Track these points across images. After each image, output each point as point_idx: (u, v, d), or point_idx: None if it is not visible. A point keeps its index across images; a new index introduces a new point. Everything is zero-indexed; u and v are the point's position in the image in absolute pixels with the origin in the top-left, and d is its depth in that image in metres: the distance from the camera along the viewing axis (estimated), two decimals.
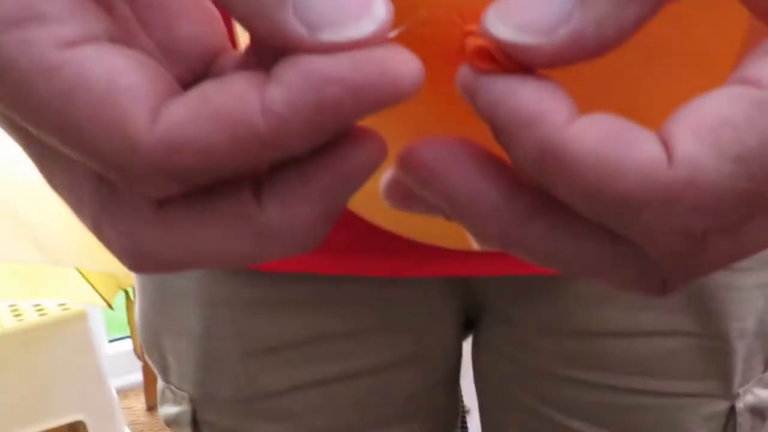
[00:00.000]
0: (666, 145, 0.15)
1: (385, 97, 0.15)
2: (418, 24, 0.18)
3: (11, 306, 1.59)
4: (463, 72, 0.17)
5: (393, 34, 0.16)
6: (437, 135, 0.18)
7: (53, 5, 0.16)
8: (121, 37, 0.17)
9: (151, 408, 1.93)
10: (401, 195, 0.20)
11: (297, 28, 0.16)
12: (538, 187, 0.17)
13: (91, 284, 1.58)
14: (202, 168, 0.16)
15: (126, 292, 1.71)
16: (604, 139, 0.15)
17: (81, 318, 1.57)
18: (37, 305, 1.58)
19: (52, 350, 1.53)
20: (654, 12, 0.16)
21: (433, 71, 0.17)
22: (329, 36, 0.16)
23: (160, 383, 0.53)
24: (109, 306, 1.61)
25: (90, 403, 1.55)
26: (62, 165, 0.18)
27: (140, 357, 1.87)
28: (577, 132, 0.16)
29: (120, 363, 1.98)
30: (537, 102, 0.16)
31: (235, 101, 0.15)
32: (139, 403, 1.97)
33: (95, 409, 1.55)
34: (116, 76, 0.16)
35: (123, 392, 1.95)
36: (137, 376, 1.98)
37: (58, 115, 0.16)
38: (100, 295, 1.60)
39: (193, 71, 0.20)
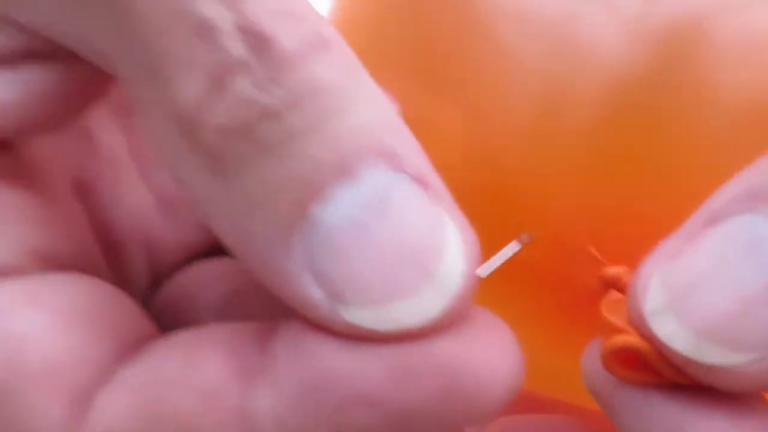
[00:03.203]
0: None
1: (450, 425, 0.09)
2: (529, 248, 0.11)
3: None
4: (593, 368, 0.10)
5: (485, 272, 0.10)
6: (534, 423, 0.12)
7: None
8: (61, 245, 0.12)
9: None
10: None
11: (308, 289, 0.09)
12: None
13: None
14: None
15: None
16: None
17: None
18: None
19: None
20: None
21: (539, 316, 0.12)
22: (359, 317, 0.09)
23: None
24: None
25: None
26: None
27: None
28: None
29: None
30: None
31: (201, 405, 0.10)
32: None
33: None
34: (25, 346, 0.10)
35: None
36: None
37: None
38: None
39: (203, 232, 0.15)
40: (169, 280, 0.14)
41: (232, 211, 0.09)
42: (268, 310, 0.12)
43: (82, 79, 0.11)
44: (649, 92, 0.12)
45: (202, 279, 0.14)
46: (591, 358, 0.10)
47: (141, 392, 0.10)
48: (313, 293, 0.09)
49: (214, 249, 0.15)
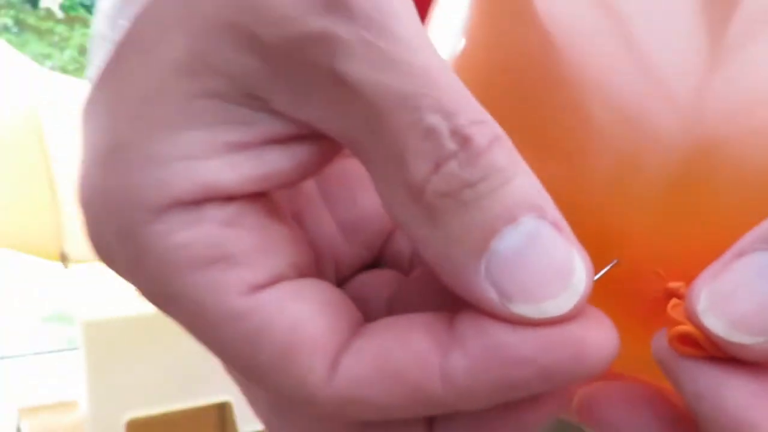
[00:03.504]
0: None
1: (578, 376, 0.14)
2: (614, 270, 0.17)
3: None
4: (662, 347, 0.16)
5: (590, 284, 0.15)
6: (622, 383, 0.17)
7: (241, 245, 0.16)
8: (304, 256, 0.17)
9: None
10: None
11: (488, 292, 0.14)
12: None
13: None
14: (375, 417, 0.16)
15: None
16: None
17: None
18: None
19: None
20: None
21: (624, 315, 0.16)
22: (521, 310, 0.14)
23: None
24: None
25: None
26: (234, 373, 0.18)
27: None
28: None
29: None
30: (749, 406, 0.14)
31: (415, 365, 0.15)
32: None
33: None
34: (299, 326, 0.15)
35: None
36: None
37: (242, 358, 0.16)
38: None
39: (372, 249, 0.20)
40: (347, 285, 0.20)
41: (439, 242, 0.15)
42: (422, 306, 0.17)
43: (328, 152, 0.17)
44: (698, 164, 0.17)
45: (370, 284, 0.19)
46: (659, 341, 0.15)
47: (373, 356, 0.15)
48: (491, 295, 0.14)
49: (376, 262, 0.21)
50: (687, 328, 0.15)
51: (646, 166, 0.18)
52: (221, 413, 1.63)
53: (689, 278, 0.15)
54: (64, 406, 1.65)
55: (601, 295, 0.16)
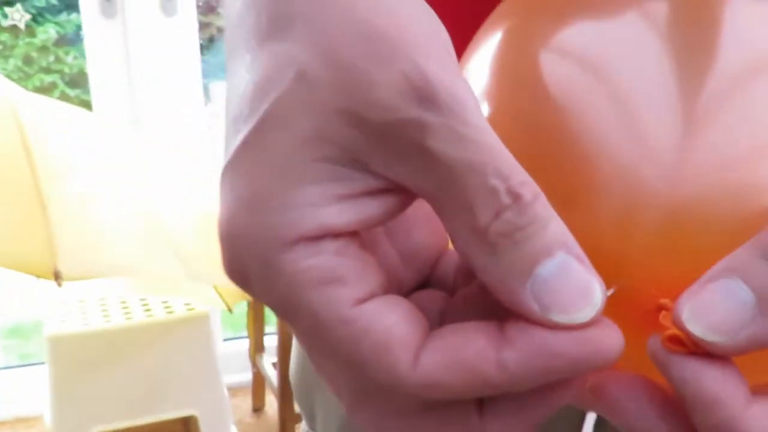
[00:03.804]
0: None
1: (596, 366, 0.20)
2: (619, 291, 0.22)
3: (142, 300, 1.71)
4: (656, 347, 0.21)
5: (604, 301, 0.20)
6: (624, 374, 0.23)
7: (348, 270, 0.21)
8: (384, 279, 0.22)
9: (258, 410, 2.03)
10: None
11: (532, 305, 0.20)
12: None
13: (217, 291, 1.67)
14: (444, 397, 0.21)
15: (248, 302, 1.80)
16: None
17: (204, 319, 1.67)
18: (165, 302, 1.70)
19: (176, 346, 1.63)
20: None
21: (624, 324, 0.21)
22: (557, 318, 0.20)
23: (304, 426, 0.59)
24: (230, 310, 1.71)
25: (204, 399, 1.64)
26: (330, 366, 0.23)
27: (253, 360, 1.97)
28: (751, 420, 0.20)
29: (230, 362, 2.09)
30: (720, 387, 0.20)
31: (477, 357, 0.20)
32: (246, 403, 2.07)
33: (208, 405, 1.64)
34: (392, 329, 0.20)
35: (231, 390, 2.06)
36: (245, 376, 2.08)
37: (346, 353, 0.21)
38: (224, 300, 1.69)
39: (422, 273, 0.25)
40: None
41: (497, 269, 0.20)
42: (468, 318, 0.22)
43: (407, 202, 0.22)
44: (683, 214, 0.23)
45: (425, 301, 0.25)
46: (654, 342, 0.21)
47: (444, 352, 0.20)
48: (535, 307, 0.20)
49: (425, 284, 0.26)
50: (675, 332, 0.21)
51: (639, 215, 0.23)
52: (186, 427, 1.65)
53: (675, 296, 0.21)
54: (28, 421, 1.65)
55: (610, 309, 0.21)
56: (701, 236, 0.23)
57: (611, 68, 0.26)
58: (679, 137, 0.24)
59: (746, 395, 0.20)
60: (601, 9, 0.27)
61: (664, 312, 0.21)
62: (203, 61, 2.07)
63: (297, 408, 1.76)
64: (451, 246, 0.25)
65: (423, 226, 0.25)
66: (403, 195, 0.22)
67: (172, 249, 1.23)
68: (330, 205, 0.21)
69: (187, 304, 1.67)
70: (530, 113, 0.26)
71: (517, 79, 0.27)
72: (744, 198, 0.23)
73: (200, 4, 2.05)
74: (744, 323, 0.20)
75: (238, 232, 0.21)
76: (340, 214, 0.21)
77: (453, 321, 0.22)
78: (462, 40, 0.30)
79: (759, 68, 0.25)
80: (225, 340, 2.25)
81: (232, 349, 2.17)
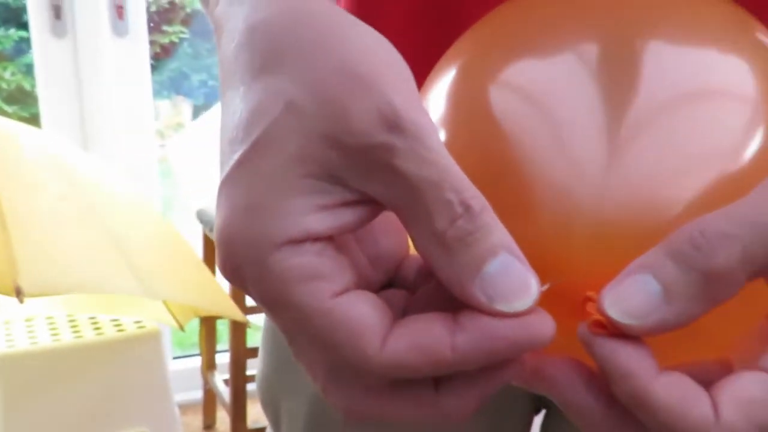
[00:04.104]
0: (715, 408, 0.24)
1: (532, 347, 0.24)
2: (554, 286, 0.26)
3: (91, 319, 1.71)
4: (583, 330, 0.25)
5: (539, 293, 0.25)
6: (559, 357, 0.26)
7: (327, 268, 0.25)
8: (356, 277, 0.26)
9: (209, 427, 2.04)
10: None
11: (480, 297, 0.24)
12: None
13: (168, 308, 1.68)
14: (407, 376, 0.25)
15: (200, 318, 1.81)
16: (676, 397, 0.24)
17: (155, 336, 1.67)
18: (114, 320, 1.70)
19: (126, 364, 1.63)
20: (716, 307, 0.24)
21: (559, 314, 0.25)
22: (501, 306, 0.24)
23: (269, 431, 0.62)
24: (181, 328, 1.72)
25: (155, 417, 1.64)
26: (307, 351, 0.27)
27: (204, 377, 1.97)
28: (657, 387, 0.24)
29: (181, 379, 2.09)
30: (632, 361, 0.24)
31: (434, 341, 0.24)
32: (197, 420, 2.07)
33: (159, 423, 1.64)
34: (364, 318, 0.24)
35: (182, 407, 2.06)
36: (196, 394, 2.09)
37: (324, 339, 0.25)
38: (175, 317, 1.70)
39: (388, 274, 0.29)
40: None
41: (452, 268, 0.24)
42: (427, 311, 0.26)
43: (376, 211, 0.26)
44: (608, 226, 0.27)
45: (391, 298, 0.29)
46: (582, 327, 0.26)
47: (408, 337, 0.24)
48: (483, 299, 0.24)
49: (390, 284, 0.30)
50: (598, 318, 0.25)
51: (572, 225, 0.28)
52: None
53: (599, 288, 0.26)
54: None
55: (548, 302, 0.26)
56: (624, 242, 0.27)
57: (549, 100, 0.30)
58: (605, 159, 0.28)
59: (655, 369, 0.25)
60: (542, 49, 0.32)
61: (590, 302, 0.26)
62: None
63: (250, 424, 1.78)
64: (412, 251, 0.30)
65: (388, 234, 0.29)
66: (374, 206, 0.26)
67: (129, 266, 1.24)
68: (313, 213, 0.25)
69: (138, 322, 1.67)
70: (481, 139, 0.31)
71: (470, 109, 0.32)
72: (660, 210, 0.28)
73: (151, 24, 2.07)
74: (652, 309, 0.24)
75: (234, 236, 0.25)
76: (321, 221, 0.25)
77: (414, 314, 0.26)
78: (423, 70, 0.35)
79: (674, 100, 0.30)
80: (175, 357, 2.25)
81: (183, 367, 2.17)
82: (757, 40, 0.32)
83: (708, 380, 0.26)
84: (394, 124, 0.24)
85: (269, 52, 0.26)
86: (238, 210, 0.25)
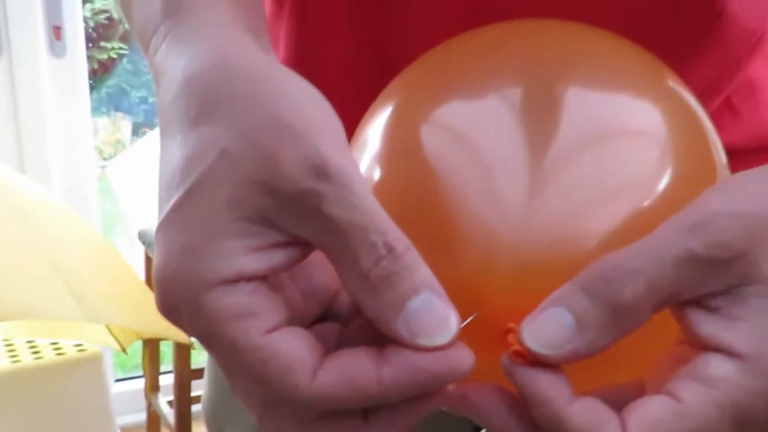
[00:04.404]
0: (624, 428, 0.26)
1: (452, 379, 0.26)
2: (479, 318, 0.28)
3: (29, 342, 1.67)
4: (505, 360, 0.27)
5: (460, 327, 0.26)
6: (483, 384, 0.28)
7: (259, 306, 0.26)
8: (288, 313, 0.27)
9: None
10: None
11: (403, 332, 0.26)
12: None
13: (109, 330, 1.65)
14: (336, 409, 0.26)
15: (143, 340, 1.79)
16: (588, 420, 0.26)
17: (97, 359, 1.64)
18: (54, 344, 1.66)
19: (66, 389, 1.60)
20: (625, 336, 0.26)
21: (483, 344, 0.27)
22: (423, 341, 0.26)
23: None
24: (124, 350, 1.70)
25: None
26: (243, 385, 0.28)
27: (148, 399, 1.95)
28: (571, 412, 0.26)
29: (124, 402, 2.06)
30: (549, 388, 0.26)
31: (362, 374, 0.25)
32: None
33: None
34: (294, 353, 0.26)
35: (124, 430, 2.03)
36: (139, 416, 2.06)
37: (257, 373, 0.26)
38: (117, 340, 1.68)
39: (321, 309, 0.30)
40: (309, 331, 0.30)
41: (376, 305, 0.26)
42: (358, 345, 0.27)
43: (307, 251, 0.27)
44: (530, 261, 0.29)
45: (324, 331, 0.30)
46: (504, 357, 0.27)
47: (337, 371, 0.26)
48: (405, 334, 0.26)
49: (323, 318, 0.31)
50: (519, 348, 0.27)
51: (494, 261, 0.30)
52: None
53: (519, 320, 0.27)
54: None
55: (471, 333, 0.27)
56: (543, 276, 0.29)
57: (475, 140, 0.32)
58: (526, 198, 0.30)
59: (569, 395, 0.26)
60: (470, 92, 0.34)
61: (511, 334, 0.28)
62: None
63: None
64: None
65: (322, 270, 0.31)
66: (304, 247, 0.27)
67: (69, 291, 1.23)
68: (245, 255, 0.26)
69: (78, 345, 1.64)
70: (409, 177, 0.32)
71: (400, 148, 0.33)
72: (578, 245, 0.30)
73: (90, 43, 2.04)
74: (566, 340, 0.26)
75: (170, 277, 0.26)
76: (254, 262, 0.26)
77: (346, 347, 0.27)
78: (359, 112, 0.36)
79: (591, 140, 0.32)
80: (118, 380, 2.22)
81: (126, 389, 2.14)
82: (667, 85, 0.35)
83: (623, 403, 0.27)
84: (321, 171, 0.26)
85: (205, 103, 0.28)
86: (174, 252, 0.26)
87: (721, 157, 0.34)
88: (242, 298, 0.26)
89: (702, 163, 0.33)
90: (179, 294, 0.26)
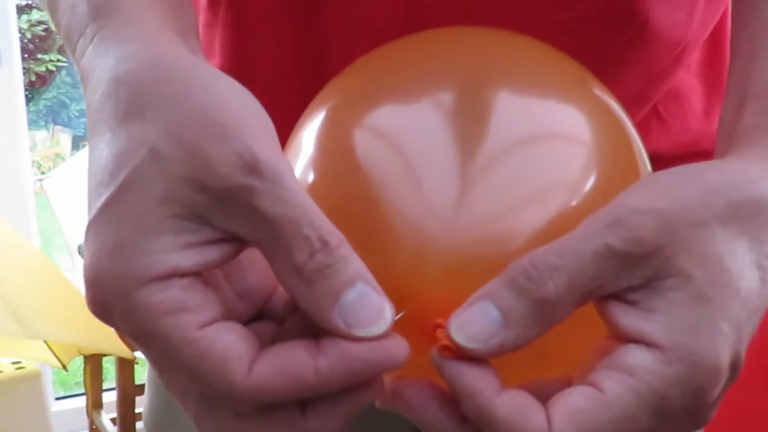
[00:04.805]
0: (549, 419, 0.27)
1: (388, 368, 0.26)
2: (409, 313, 0.29)
3: None
4: (434, 354, 0.28)
5: (394, 320, 0.27)
6: (415, 379, 0.29)
7: (193, 301, 0.26)
8: (223, 309, 0.27)
9: None
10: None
11: (339, 323, 0.26)
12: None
13: (49, 346, 1.62)
14: (273, 401, 0.26)
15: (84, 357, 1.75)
16: (514, 411, 0.27)
17: (35, 377, 1.62)
18: None
19: (4, 408, 1.57)
20: (549, 329, 0.27)
21: (414, 339, 0.28)
22: (359, 332, 0.26)
23: None
24: (64, 367, 1.66)
25: None
26: (178, 382, 0.28)
27: (90, 417, 1.91)
28: (498, 403, 0.27)
29: (65, 421, 2.01)
30: (477, 381, 0.27)
31: (298, 365, 0.26)
32: None
33: None
34: (229, 347, 0.26)
35: None
36: None
37: (192, 368, 0.26)
38: (57, 356, 1.64)
39: (257, 307, 0.30)
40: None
41: (312, 298, 0.26)
42: (293, 339, 0.28)
43: (241, 248, 0.28)
44: (461, 258, 0.30)
45: (259, 328, 0.30)
46: (434, 351, 0.28)
47: (273, 363, 0.26)
48: (341, 325, 0.26)
49: (259, 316, 0.31)
50: (447, 342, 0.28)
51: (425, 257, 0.31)
52: None
53: (447, 316, 0.28)
54: None
55: (404, 328, 0.28)
56: (472, 273, 0.30)
57: (406, 142, 0.33)
58: (456, 197, 0.31)
59: (497, 387, 0.27)
60: (402, 96, 0.35)
61: (440, 329, 0.28)
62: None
63: None
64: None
65: (256, 270, 0.31)
66: (238, 243, 0.28)
67: (7, 307, 1.20)
68: (178, 251, 0.26)
69: (16, 363, 1.61)
70: (342, 178, 0.33)
71: (333, 151, 0.34)
72: (505, 243, 0.31)
73: (26, 54, 2.01)
74: (493, 334, 0.27)
75: (102, 274, 0.26)
76: (186, 258, 0.26)
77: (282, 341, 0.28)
78: (293, 117, 0.37)
79: (518, 143, 0.33)
80: (58, 398, 2.17)
81: (67, 407, 2.09)
82: (591, 92, 0.36)
83: (551, 396, 0.28)
84: (253, 167, 0.26)
85: (133, 101, 0.28)
86: (105, 249, 0.26)
87: (644, 159, 0.36)
88: (176, 293, 0.26)
89: (624, 165, 0.35)
90: (111, 291, 0.26)
